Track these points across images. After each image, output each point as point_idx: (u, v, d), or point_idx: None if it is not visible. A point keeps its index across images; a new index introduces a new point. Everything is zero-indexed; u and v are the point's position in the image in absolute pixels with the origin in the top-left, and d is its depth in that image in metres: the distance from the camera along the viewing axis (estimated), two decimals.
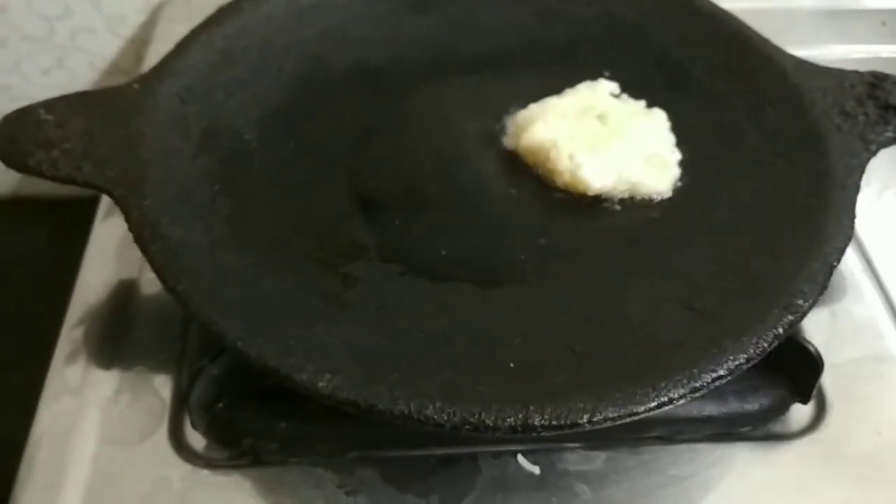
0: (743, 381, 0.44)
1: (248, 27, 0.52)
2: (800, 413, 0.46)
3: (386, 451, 0.42)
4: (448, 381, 0.36)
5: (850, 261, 0.54)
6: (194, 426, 0.41)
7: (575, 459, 0.42)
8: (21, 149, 0.43)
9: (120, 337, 0.47)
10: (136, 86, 0.47)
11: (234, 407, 0.41)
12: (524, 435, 0.34)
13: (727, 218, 0.45)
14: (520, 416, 0.34)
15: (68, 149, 0.43)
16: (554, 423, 0.34)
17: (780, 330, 0.38)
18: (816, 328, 0.49)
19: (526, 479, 0.41)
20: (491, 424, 0.34)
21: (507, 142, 0.50)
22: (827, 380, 0.46)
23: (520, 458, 0.42)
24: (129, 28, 0.71)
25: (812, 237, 0.43)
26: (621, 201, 0.47)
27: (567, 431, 0.34)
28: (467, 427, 0.34)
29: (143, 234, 0.39)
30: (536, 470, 0.42)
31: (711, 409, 0.44)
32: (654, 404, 0.35)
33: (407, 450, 0.42)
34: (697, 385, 0.36)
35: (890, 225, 0.64)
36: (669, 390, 0.35)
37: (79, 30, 0.71)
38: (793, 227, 0.44)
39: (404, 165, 0.49)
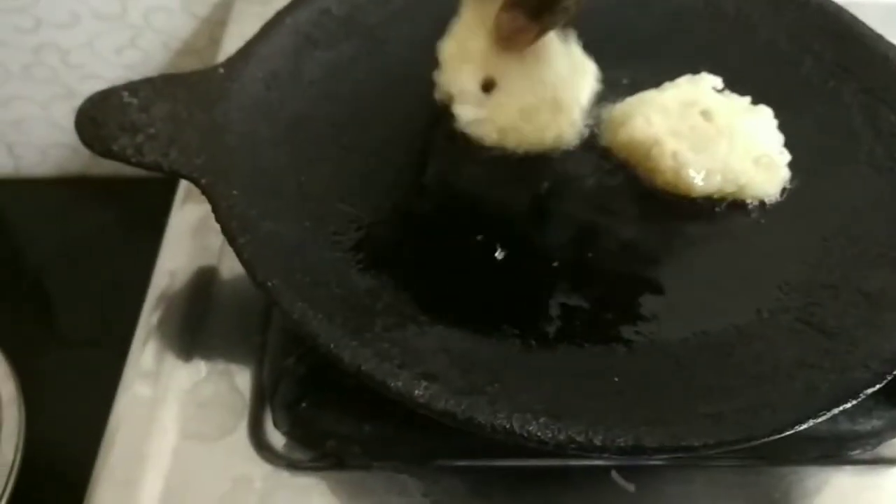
0: None
1: (333, 10, 0.50)
2: None
3: (473, 461, 0.40)
4: (551, 394, 0.33)
5: None
6: (277, 426, 0.40)
7: (673, 478, 0.40)
8: (105, 133, 0.41)
9: (198, 327, 0.46)
10: (221, 70, 0.45)
11: (317, 407, 0.40)
12: (633, 457, 0.32)
13: (841, 226, 0.42)
14: (630, 437, 0.32)
15: (153, 134, 0.41)
16: (667, 445, 0.32)
17: None
18: None
19: (620, 497, 0.39)
20: (599, 445, 0.31)
21: (602, 137, 0.47)
22: None
23: (614, 474, 0.40)
24: (204, 8, 0.69)
25: None
26: (726, 204, 0.44)
27: (679, 455, 0.32)
28: (573, 447, 0.32)
29: (232, 226, 0.38)
30: (632, 488, 0.39)
31: (820, 429, 0.40)
32: (774, 429, 0.32)
33: (495, 460, 0.40)
34: (820, 410, 0.33)
35: None
36: (791, 415, 0.33)
37: (153, 9, 0.70)
38: None
39: (490, 159, 0.46)
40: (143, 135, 0.41)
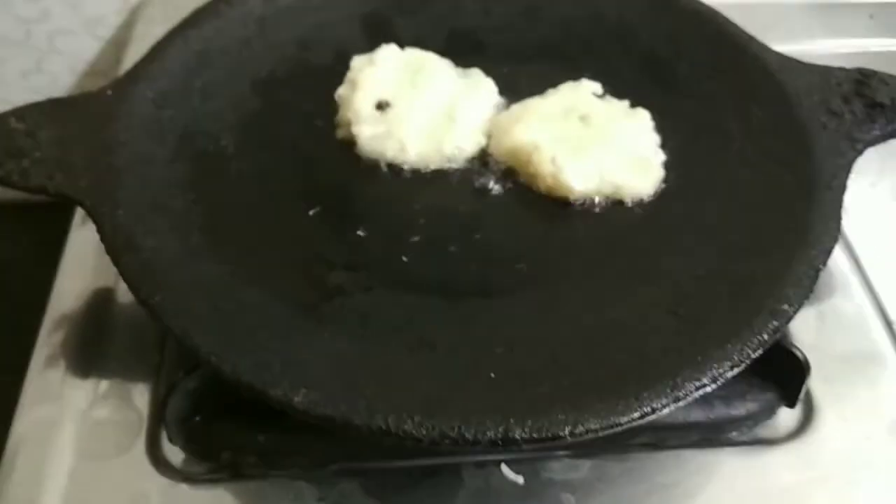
0: (729, 387, 0.43)
1: (225, 29, 0.51)
2: (787, 417, 0.45)
3: (367, 463, 0.41)
4: (427, 393, 0.35)
5: (837, 259, 0.53)
6: (171, 440, 0.41)
7: (560, 468, 0.42)
8: None
9: (96, 347, 0.46)
10: (109, 91, 0.46)
11: (211, 420, 0.41)
12: (505, 448, 0.33)
13: (713, 220, 0.45)
14: (500, 429, 0.33)
15: (39, 158, 0.42)
16: (535, 435, 0.33)
17: (765, 336, 0.38)
18: (804, 328, 0.48)
19: (510, 489, 0.41)
20: (470, 438, 0.33)
21: (488, 145, 0.49)
22: (814, 382, 0.45)
23: (503, 467, 0.41)
24: (107, 29, 0.70)
25: (798, 239, 0.42)
26: (604, 204, 0.46)
27: (549, 444, 0.34)
28: (446, 441, 0.33)
29: (116, 246, 0.38)
30: (520, 480, 0.41)
31: (697, 414, 0.43)
32: (636, 415, 0.34)
33: (388, 461, 0.42)
34: (681, 394, 0.35)
35: (878, 222, 0.64)
36: (652, 400, 0.35)
37: (57, 32, 0.70)
38: (779, 228, 0.43)
39: (386, 174, 0.48)
40: (28, 159, 0.42)
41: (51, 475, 0.41)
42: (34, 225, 0.76)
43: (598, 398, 0.35)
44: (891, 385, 0.47)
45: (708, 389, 0.36)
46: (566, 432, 0.33)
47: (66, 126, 0.43)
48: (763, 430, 0.45)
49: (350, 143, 0.48)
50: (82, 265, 0.50)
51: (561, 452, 0.42)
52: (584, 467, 0.42)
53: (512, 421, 0.33)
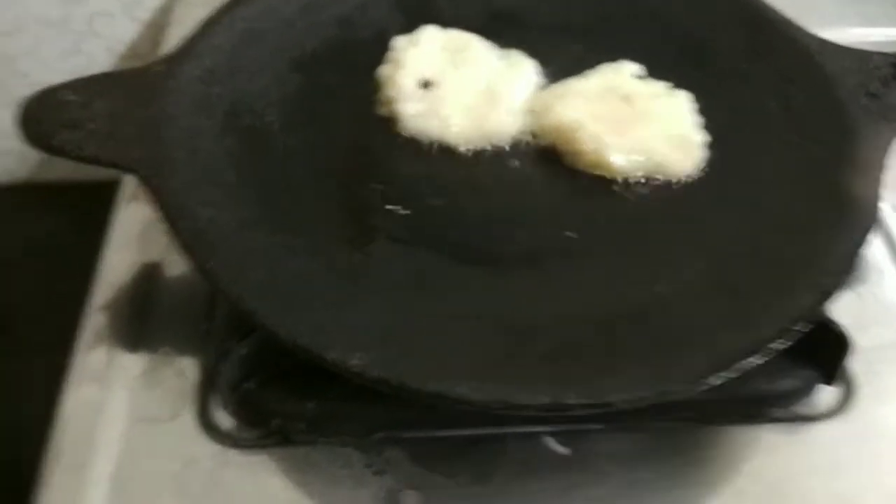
0: (770, 363, 0.43)
1: (270, 8, 0.52)
2: (827, 395, 0.46)
3: (414, 432, 0.42)
4: (479, 359, 0.35)
5: (875, 244, 0.53)
6: (223, 406, 0.41)
7: (603, 440, 0.42)
8: (46, 129, 0.43)
9: (144, 319, 0.47)
10: (159, 67, 0.47)
11: (262, 387, 0.41)
12: (556, 414, 0.34)
13: (753, 199, 0.45)
14: (552, 395, 0.34)
15: (93, 129, 0.43)
16: (586, 402, 0.34)
17: (812, 311, 0.38)
18: (843, 311, 0.48)
19: (554, 460, 0.41)
20: (524, 404, 0.33)
21: (531, 124, 0.49)
22: (854, 362, 0.46)
23: (548, 438, 0.42)
24: (146, 12, 0.71)
25: (839, 218, 0.43)
26: (646, 182, 0.46)
27: (598, 411, 0.34)
28: (499, 406, 0.34)
29: (172, 213, 0.39)
30: (565, 451, 0.41)
31: (739, 390, 0.43)
32: (687, 386, 0.35)
33: (434, 430, 0.42)
34: (730, 367, 0.35)
35: None
36: (703, 372, 0.35)
37: (96, 14, 0.71)
38: (819, 207, 0.44)
39: (432, 152, 0.48)
40: (82, 130, 0.43)
41: (101, 440, 0.42)
42: (69, 205, 0.77)
43: (649, 368, 0.35)
44: None
45: (755, 363, 0.36)
46: (618, 399, 0.34)
47: (117, 99, 0.44)
48: (804, 408, 0.45)
49: (391, 121, 0.49)
50: (129, 241, 0.51)
51: (604, 425, 0.43)
52: (627, 440, 0.42)
53: (564, 387, 0.34)
